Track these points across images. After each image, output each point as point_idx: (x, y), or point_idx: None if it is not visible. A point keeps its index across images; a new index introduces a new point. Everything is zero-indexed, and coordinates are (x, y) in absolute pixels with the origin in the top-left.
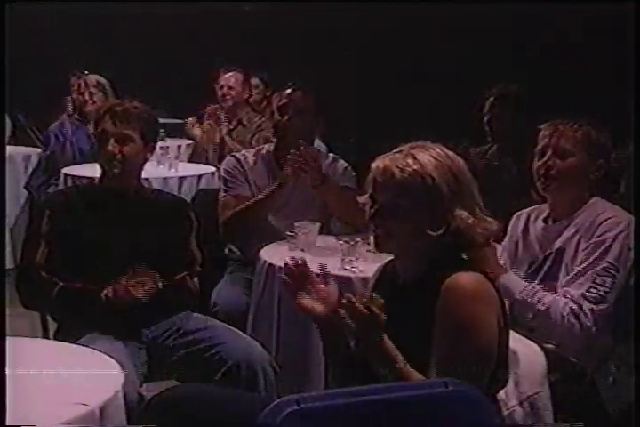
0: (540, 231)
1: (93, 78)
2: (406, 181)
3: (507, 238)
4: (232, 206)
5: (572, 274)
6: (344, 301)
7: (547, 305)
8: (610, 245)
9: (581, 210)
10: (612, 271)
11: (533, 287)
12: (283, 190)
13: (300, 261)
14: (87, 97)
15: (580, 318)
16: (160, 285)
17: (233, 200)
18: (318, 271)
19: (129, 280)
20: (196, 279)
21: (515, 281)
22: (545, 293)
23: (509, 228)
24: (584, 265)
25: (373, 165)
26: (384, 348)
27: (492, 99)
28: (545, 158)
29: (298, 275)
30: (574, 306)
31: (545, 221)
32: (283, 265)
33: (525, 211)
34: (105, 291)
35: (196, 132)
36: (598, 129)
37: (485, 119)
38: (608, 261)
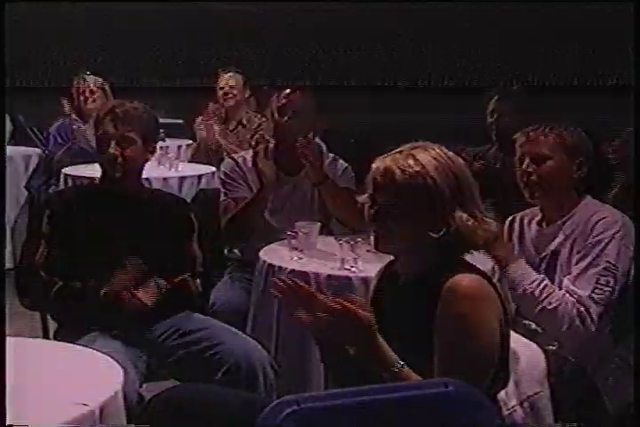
0: (534, 235)
1: (92, 78)
2: (407, 182)
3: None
4: (232, 210)
5: (573, 273)
6: (323, 302)
7: (554, 304)
8: (607, 245)
9: (573, 211)
10: (613, 271)
11: (543, 280)
12: (280, 189)
13: (291, 282)
14: (87, 96)
15: (586, 322)
16: (164, 289)
17: (233, 203)
18: (317, 272)
19: (136, 287)
20: (198, 281)
21: (525, 271)
22: (553, 288)
23: (504, 232)
24: (584, 265)
25: (374, 166)
26: (378, 350)
27: (494, 99)
28: (524, 166)
29: (292, 294)
30: (582, 308)
31: (539, 224)
32: (283, 265)
33: (518, 215)
34: (105, 289)
35: (203, 132)
36: (572, 129)
37: (489, 120)
38: (608, 261)
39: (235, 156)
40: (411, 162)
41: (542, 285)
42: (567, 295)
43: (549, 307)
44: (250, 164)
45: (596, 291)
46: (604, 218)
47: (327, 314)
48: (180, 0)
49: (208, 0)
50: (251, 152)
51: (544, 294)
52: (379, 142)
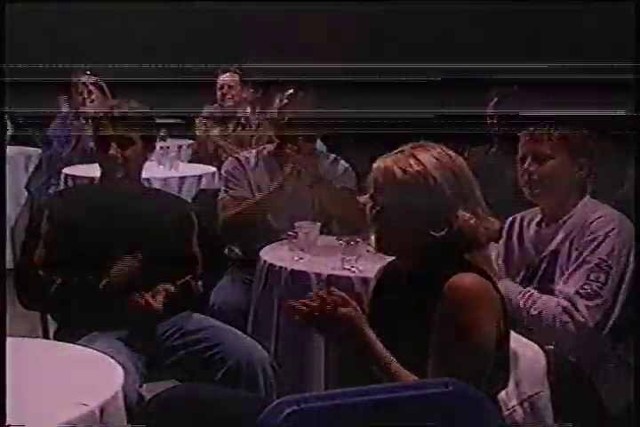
0: (533, 235)
1: (91, 78)
2: (408, 181)
3: (502, 243)
4: (230, 207)
5: (566, 274)
6: (310, 299)
7: (538, 309)
8: (600, 243)
9: (573, 212)
10: (605, 267)
11: (527, 291)
12: (283, 191)
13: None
14: (85, 96)
15: (574, 316)
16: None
17: (232, 201)
18: (318, 272)
19: (147, 293)
20: (199, 282)
21: (511, 288)
22: (538, 295)
23: (504, 233)
24: (577, 263)
25: (375, 166)
26: (366, 346)
27: (495, 99)
28: (525, 165)
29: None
30: (567, 304)
31: (538, 224)
32: (283, 265)
33: (518, 215)
34: (104, 282)
35: (202, 132)
36: (576, 129)
37: (489, 120)
38: (600, 258)
39: (238, 155)
40: (412, 161)
41: (527, 295)
42: (551, 298)
43: (534, 313)
44: (253, 164)
45: (585, 286)
46: (600, 217)
47: (311, 310)
48: (178, 0)
49: (208, 0)
50: (254, 152)
51: (529, 302)
52: (379, 142)
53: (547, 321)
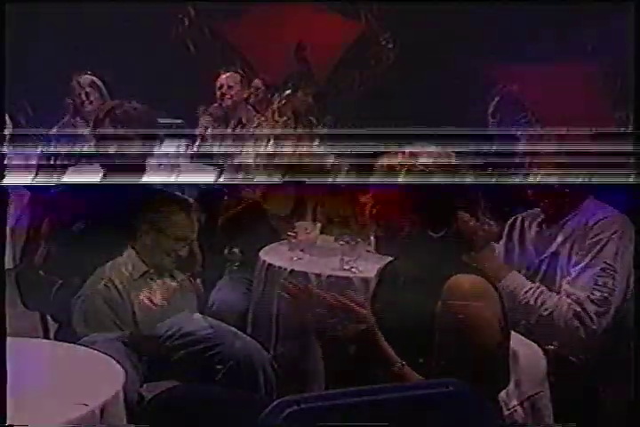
0: (534, 236)
1: (88, 78)
2: (410, 181)
3: (502, 244)
4: (232, 208)
5: (572, 276)
6: (323, 299)
7: (550, 310)
8: (604, 246)
9: (575, 212)
10: (611, 272)
11: (538, 287)
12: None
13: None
14: (83, 97)
15: (585, 322)
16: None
17: (234, 202)
18: (317, 272)
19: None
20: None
21: (519, 282)
22: (549, 294)
23: (505, 233)
24: (581, 266)
25: (377, 165)
26: (378, 349)
27: (496, 99)
28: (526, 166)
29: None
30: (578, 309)
31: (539, 225)
32: (283, 265)
33: (520, 216)
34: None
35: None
36: (576, 129)
37: (490, 120)
38: (605, 262)
39: None
40: (413, 162)
41: (537, 292)
42: (562, 298)
43: (545, 313)
44: (254, 164)
45: (595, 292)
46: (603, 218)
47: (327, 312)
48: (176, 0)
49: (209, 0)
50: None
51: (539, 302)
52: (380, 142)
53: (556, 324)
